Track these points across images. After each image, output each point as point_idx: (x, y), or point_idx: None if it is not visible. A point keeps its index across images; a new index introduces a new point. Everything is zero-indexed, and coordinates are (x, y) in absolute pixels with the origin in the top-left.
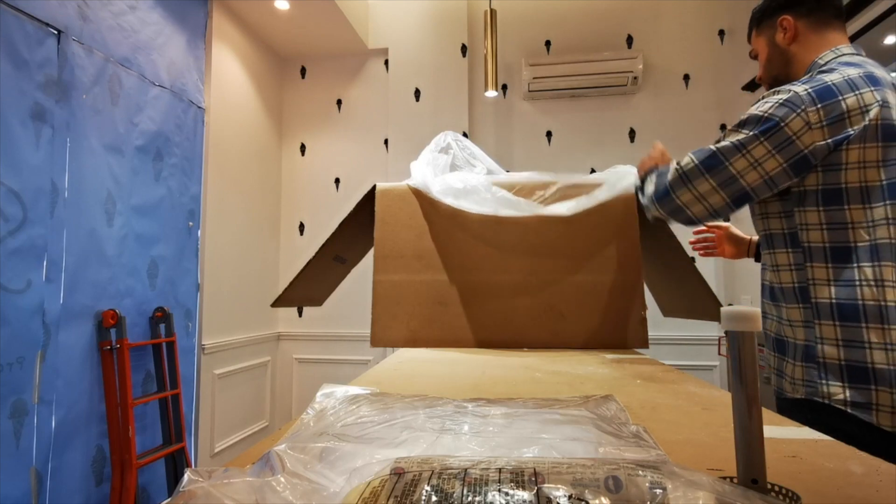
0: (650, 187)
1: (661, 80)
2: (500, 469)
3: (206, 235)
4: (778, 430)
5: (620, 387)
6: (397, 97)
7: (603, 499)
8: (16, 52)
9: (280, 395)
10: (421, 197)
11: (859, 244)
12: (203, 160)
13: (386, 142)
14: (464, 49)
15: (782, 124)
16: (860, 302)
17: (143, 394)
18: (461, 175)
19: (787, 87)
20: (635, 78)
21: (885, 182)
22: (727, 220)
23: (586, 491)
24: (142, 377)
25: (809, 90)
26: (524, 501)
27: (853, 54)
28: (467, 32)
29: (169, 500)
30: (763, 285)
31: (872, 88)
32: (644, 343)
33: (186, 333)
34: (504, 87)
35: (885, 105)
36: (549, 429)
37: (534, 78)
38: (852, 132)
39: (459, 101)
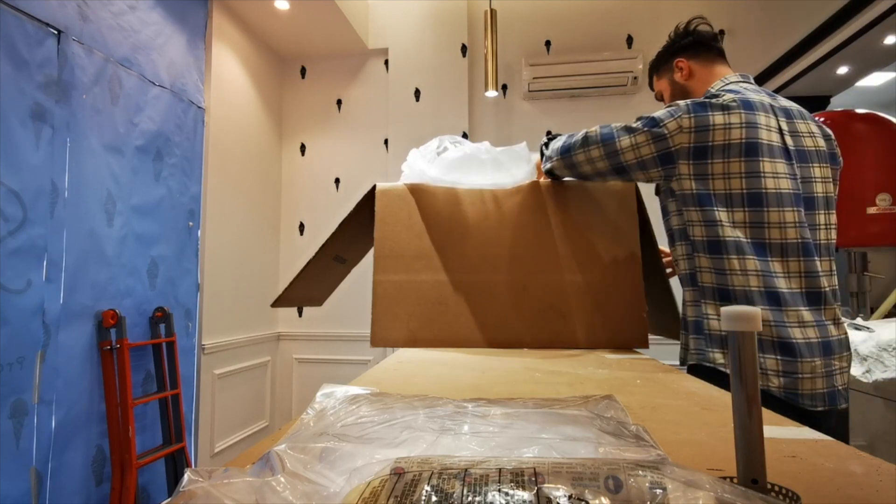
0: (557, 143)
1: None
2: (500, 469)
3: (206, 235)
4: (778, 430)
5: (620, 387)
6: (397, 97)
7: (603, 499)
8: (16, 52)
9: (280, 395)
10: (419, 195)
11: (727, 239)
12: (203, 160)
13: (386, 142)
14: (464, 49)
15: (662, 122)
16: (731, 288)
17: (143, 394)
18: (459, 148)
19: (678, 100)
20: (635, 78)
21: (745, 191)
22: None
23: (586, 491)
24: (142, 377)
25: (689, 104)
26: (524, 501)
27: (738, 82)
28: (467, 32)
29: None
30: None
31: (742, 111)
32: (644, 343)
33: (186, 333)
34: (504, 87)
35: (750, 126)
36: (549, 429)
37: (534, 78)
38: (711, 144)
39: (459, 101)
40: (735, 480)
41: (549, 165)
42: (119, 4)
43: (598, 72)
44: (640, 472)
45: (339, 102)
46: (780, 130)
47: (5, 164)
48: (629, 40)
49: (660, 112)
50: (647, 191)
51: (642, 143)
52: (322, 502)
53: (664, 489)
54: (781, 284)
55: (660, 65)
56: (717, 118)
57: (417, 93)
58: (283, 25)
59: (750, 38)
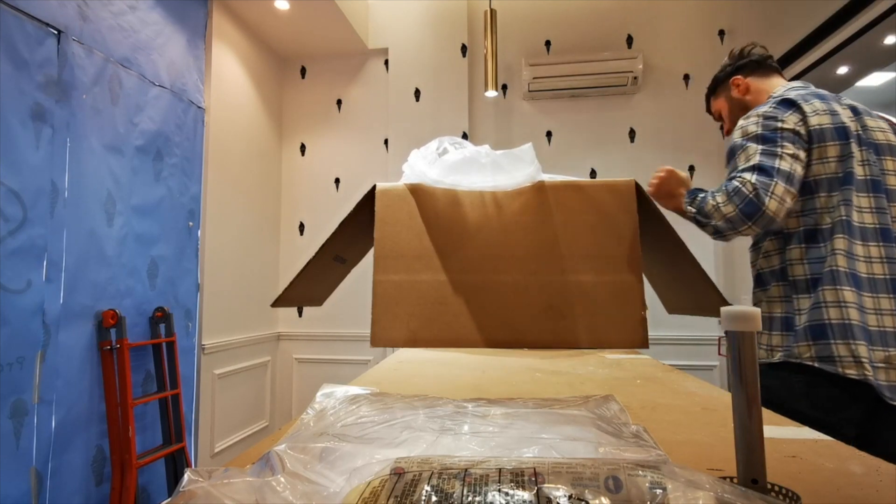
0: (725, 208)
1: (661, 80)
2: (500, 469)
3: (206, 235)
4: (778, 430)
5: (620, 387)
6: (397, 97)
7: (603, 499)
8: (16, 52)
9: (280, 395)
10: (419, 195)
11: (823, 226)
12: (203, 160)
13: (386, 142)
14: (464, 49)
15: (780, 132)
16: (821, 273)
17: (143, 394)
18: (459, 151)
19: (747, 115)
20: (635, 78)
21: (840, 173)
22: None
23: (586, 491)
24: (142, 377)
25: (772, 105)
26: (524, 501)
27: (800, 86)
28: (467, 32)
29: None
30: (757, 274)
31: (819, 100)
32: (644, 343)
33: (186, 333)
34: (504, 87)
35: (833, 113)
36: (549, 429)
37: (534, 78)
38: (812, 129)
39: (459, 101)
40: (735, 480)
41: (727, 236)
42: (119, 4)
43: (598, 72)
44: (640, 472)
45: (339, 102)
46: (853, 120)
47: (5, 164)
48: (629, 40)
49: (758, 127)
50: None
51: (792, 151)
52: (322, 502)
53: (664, 489)
54: (862, 269)
55: (717, 87)
56: (806, 107)
57: (417, 93)
58: (283, 25)
59: (750, 39)
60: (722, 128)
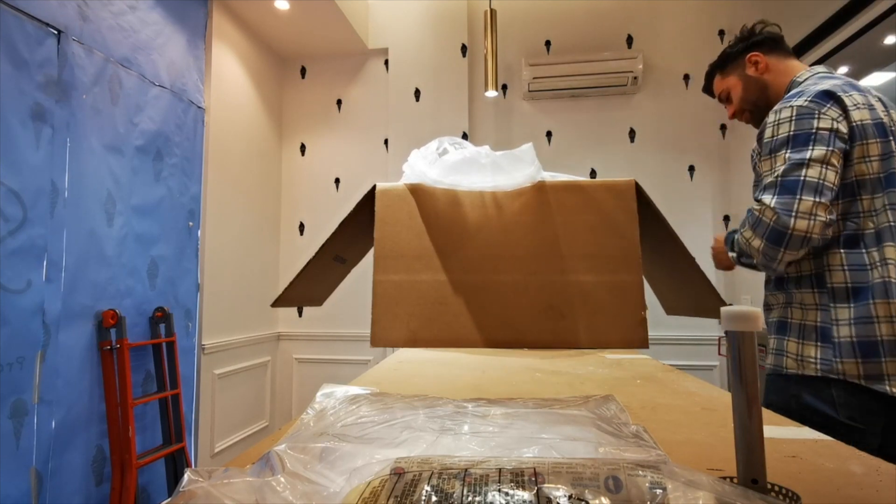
0: (754, 242)
1: (661, 80)
2: (500, 469)
3: (206, 235)
4: (778, 430)
5: (620, 387)
6: (397, 97)
7: (603, 499)
8: (16, 52)
9: (280, 395)
10: (419, 195)
11: (865, 231)
12: (203, 160)
13: (386, 142)
14: (464, 49)
15: (815, 131)
16: (869, 283)
17: (143, 394)
18: (459, 151)
19: (781, 105)
20: (635, 78)
21: (882, 174)
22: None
23: (586, 491)
24: (142, 377)
25: (809, 98)
26: (524, 501)
27: (827, 73)
28: (467, 32)
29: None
30: (770, 277)
31: (857, 92)
32: (644, 343)
33: (186, 333)
34: (504, 87)
35: (871, 108)
36: (549, 429)
37: (534, 78)
38: (854, 126)
39: (459, 101)
40: (735, 480)
41: (775, 269)
42: (119, 4)
43: (598, 72)
44: (640, 472)
45: (339, 102)
46: (885, 115)
47: (5, 164)
48: (629, 40)
49: (791, 126)
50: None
51: (825, 156)
52: (322, 502)
53: (664, 489)
54: None
55: (726, 63)
56: (847, 100)
57: (417, 93)
58: (283, 25)
59: None
60: (728, 110)
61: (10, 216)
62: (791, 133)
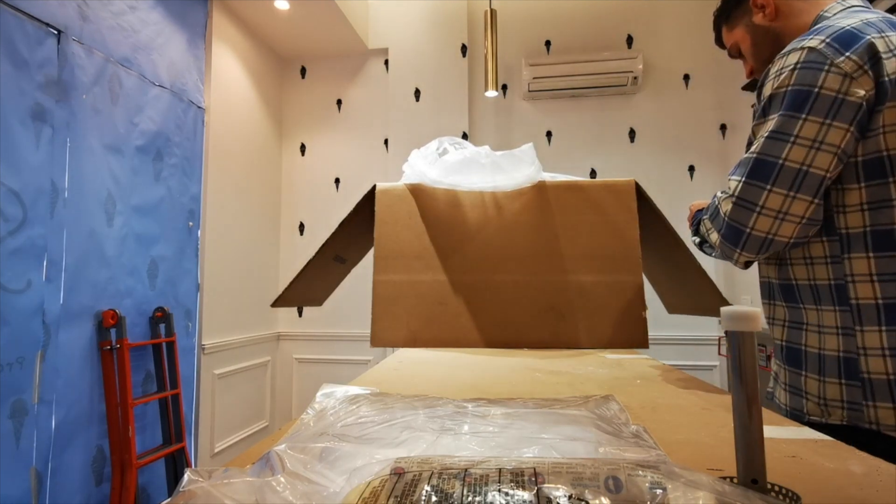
0: (712, 235)
1: (661, 80)
2: (500, 469)
3: (206, 235)
4: (778, 430)
5: (620, 387)
6: (397, 97)
7: (603, 499)
8: (16, 52)
9: (280, 395)
10: (419, 195)
11: None
12: (203, 160)
13: (386, 142)
14: (464, 49)
15: (818, 89)
16: None
17: (143, 394)
18: (459, 151)
19: (791, 47)
20: (635, 78)
21: None
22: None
23: (586, 491)
24: (142, 377)
25: (826, 40)
26: (524, 501)
27: (864, 6)
28: (467, 32)
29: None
30: (770, 284)
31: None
32: (644, 343)
33: (186, 333)
34: (504, 87)
35: None
36: (549, 429)
37: (534, 78)
38: (887, 80)
39: (459, 101)
40: (735, 480)
41: (741, 263)
42: (119, 4)
43: (598, 72)
44: (640, 472)
45: (339, 102)
46: None
47: (5, 164)
48: (629, 40)
49: (790, 79)
50: (650, 186)
51: (820, 133)
52: (322, 502)
53: (664, 489)
54: None
55: (730, 10)
56: (879, 42)
57: (417, 93)
58: (283, 25)
59: None
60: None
61: (10, 216)
62: (788, 88)
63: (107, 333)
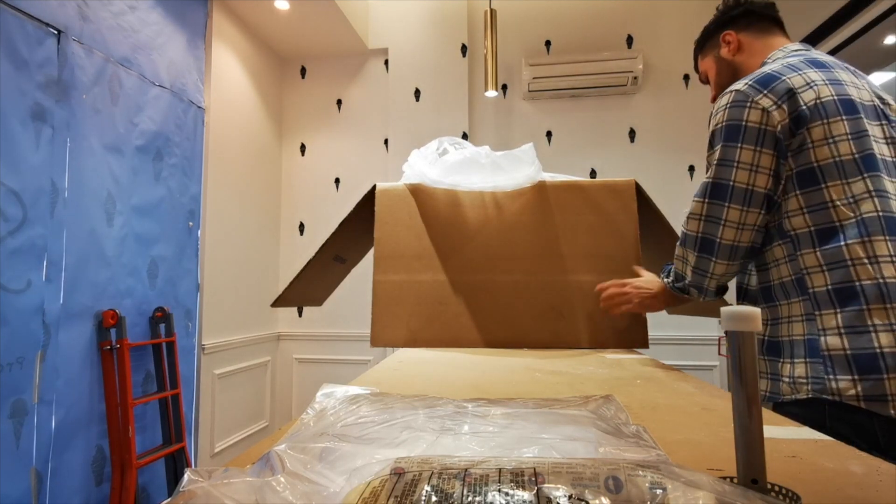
0: (689, 257)
1: (661, 80)
2: (500, 469)
3: (206, 235)
4: (778, 430)
5: (620, 387)
6: (397, 97)
7: (603, 499)
8: (16, 52)
9: (280, 395)
10: (419, 195)
11: (844, 222)
12: (203, 160)
13: (386, 142)
14: (464, 49)
15: (744, 122)
16: (857, 283)
17: (143, 394)
18: (459, 151)
19: (725, 91)
20: (635, 78)
21: (857, 155)
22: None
23: (586, 491)
24: (142, 377)
25: (749, 83)
26: (524, 501)
27: (800, 50)
28: (467, 32)
29: (169, 500)
30: (748, 290)
31: (816, 69)
32: (644, 343)
33: (186, 333)
34: (504, 87)
35: (836, 83)
36: (549, 429)
37: (534, 78)
38: (805, 108)
39: (459, 101)
40: (735, 480)
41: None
42: (119, 4)
43: (598, 72)
44: (640, 472)
45: (339, 102)
46: (870, 90)
47: (5, 164)
48: (629, 40)
49: (724, 116)
50: (650, 186)
51: (755, 159)
52: (322, 502)
53: (664, 489)
54: None
55: (705, 42)
56: (796, 79)
57: (417, 93)
58: (283, 25)
59: None
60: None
61: (10, 216)
62: (724, 124)
63: (107, 333)
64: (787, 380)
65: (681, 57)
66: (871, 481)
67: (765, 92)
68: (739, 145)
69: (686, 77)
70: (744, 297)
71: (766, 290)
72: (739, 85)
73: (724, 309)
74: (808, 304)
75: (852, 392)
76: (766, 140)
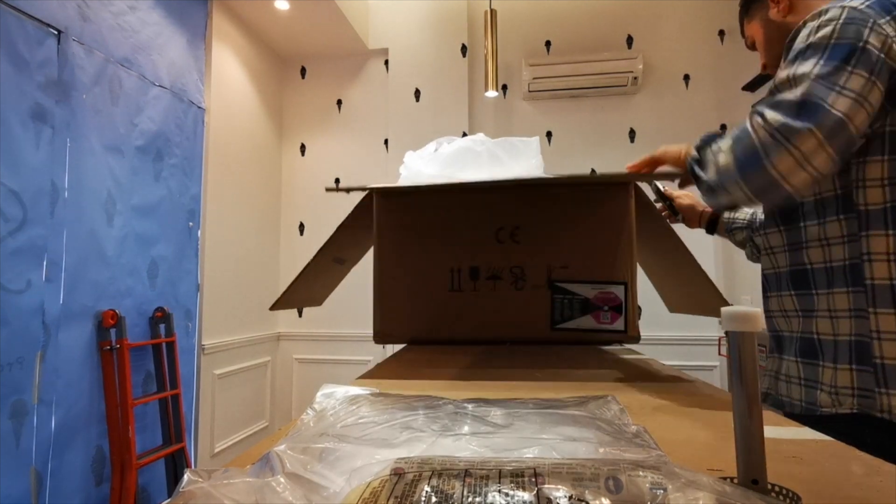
0: (722, 158)
1: (661, 80)
2: (500, 469)
3: (206, 235)
4: (778, 431)
5: (620, 387)
6: (397, 97)
7: (603, 499)
8: (16, 52)
9: (280, 395)
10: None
11: None
12: (203, 160)
13: (386, 142)
14: (464, 49)
15: (863, 44)
16: None
17: (143, 394)
18: (452, 143)
19: (828, 6)
20: (635, 78)
21: None
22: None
23: (586, 491)
24: (142, 377)
25: (863, 4)
26: (524, 502)
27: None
28: (467, 32)
29: (169, 500)
30: (779, 274)
31: None
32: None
33: (186, 333)
34: (504, 87)
35: None
36: (549, 429)
37: (534, 78)
38: None
39: (459, 101)
40: (735, 481)
41: (721, 202)
42: (119, 4)
43: (598, 72)
44: (641, 472)
45: (339, 102)
46: None
47: (5, 164)
48: (629, 40)
49: (835, 32)
50: (649, 186)
51: (863, 88)
52: (322, 503)
53: (664, 489)
54: None
55: (750, 3)
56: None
57: (417, 93)
58: (283, 25)
59: None
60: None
61: (10, 216)
62: (832, 41)
63: (107, 333)
64: (827, 388)
65: (681, 57)
66: (872, 481)
67: (888, 18)
68: (850, 69)
69: (686, 77)
70: (767, 278)
71: (800, 273)
72: (854, 2)
73: (724, 309)
74: (860, 297)
75: None
76: (882, 72)
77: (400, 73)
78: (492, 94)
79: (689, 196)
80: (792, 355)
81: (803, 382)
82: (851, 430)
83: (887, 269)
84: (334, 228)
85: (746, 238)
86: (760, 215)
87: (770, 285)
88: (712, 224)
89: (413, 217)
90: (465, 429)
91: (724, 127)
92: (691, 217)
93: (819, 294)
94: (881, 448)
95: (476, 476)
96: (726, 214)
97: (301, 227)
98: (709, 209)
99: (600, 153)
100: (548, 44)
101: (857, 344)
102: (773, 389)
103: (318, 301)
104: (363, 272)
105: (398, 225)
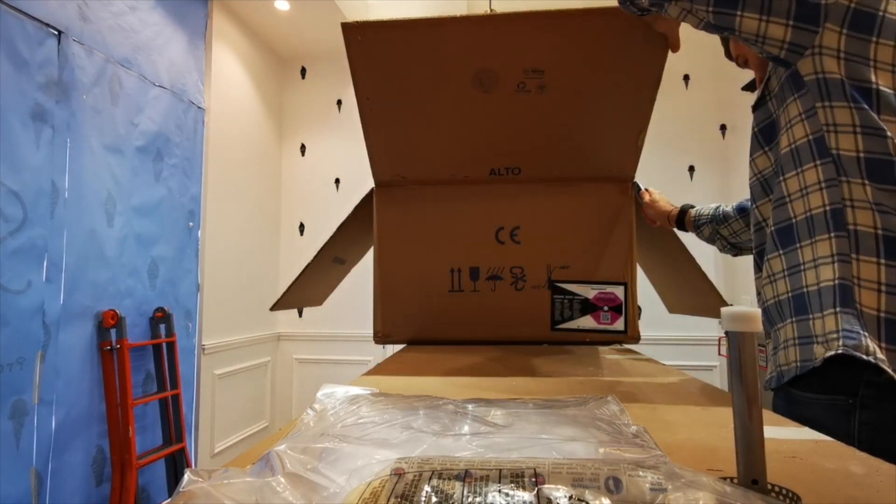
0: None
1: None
2: (500, 469)
3: (206, 235)
4: (778, 431)
5: (620, 387)
6: None
7: (603, 499)
8: (16, 52)
9: (280, 395)
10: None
11: None
12: (203, 160)
13: None
14: None
15: (881, 14)
16: None
17: (143, 394)
18: None
19: None
20: None
21: None
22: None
23: (586, 491)
24: (142, 377)
25: None
26: (524, 502)
27: None
28: None
29: (169, 500)
30: (764, 243)
31: None
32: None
33: (186, 334)
34: None
35: None
36: (549, 429)
37: None
38: (881, 14)
39: None
40: (735, 481)
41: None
42: (119, 5)
43: None
44: (641, 472)
45: (339, 102)
46: None
47: (5, 164)
48: None
49: None
50: (650, 186)
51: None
52: (322, 503)
53: (664, 490)
54: None
55: None
56: None
57: None
58: (283, 25)
59: None
60: (753, 80)
61: (10, 216)
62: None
63: (107, 334)
64: (821, 339)
65: (681, 57)
66: (871, 481)
67: None
68: (874, 40)
69: (686, 77)
70: (760, 248)
71: (784, 231)
72: None
73: (724, 309)
74: (843, 242)
75: (884, 357)
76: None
77: None
78: None
79: (651, 193)
80: (790, 317)
81: (798, 342)
82: (840, 378)
83: (871, 217)
84: (334, 228)
85: (713, 232)
86: (724, 208)
87: (757, 258)
88: (680, 221)
89: (413, 217)
90: (465, 429)
91: (723, 127)
92: (657, 214)
93: (803, 246)
94: (861, 390)
95: (476, 476)
96: (693, 211)
97: (301, 227)
98: (676, 208)
99: None
100: None
101: (840, 287)
102: (774, 371)
103: (318, 301)
104: (363, 272)
105: (398, 225)
